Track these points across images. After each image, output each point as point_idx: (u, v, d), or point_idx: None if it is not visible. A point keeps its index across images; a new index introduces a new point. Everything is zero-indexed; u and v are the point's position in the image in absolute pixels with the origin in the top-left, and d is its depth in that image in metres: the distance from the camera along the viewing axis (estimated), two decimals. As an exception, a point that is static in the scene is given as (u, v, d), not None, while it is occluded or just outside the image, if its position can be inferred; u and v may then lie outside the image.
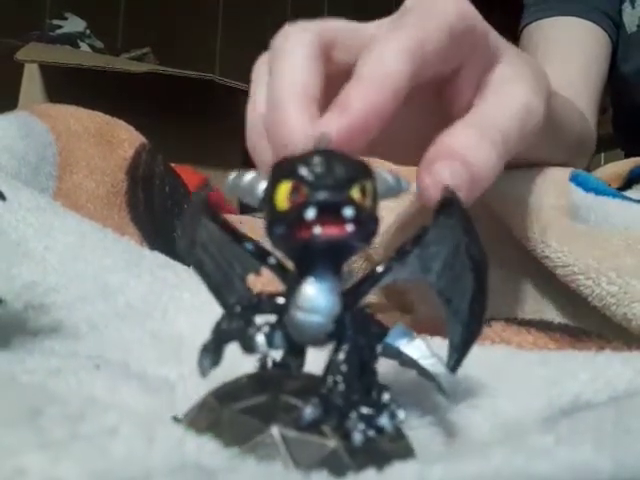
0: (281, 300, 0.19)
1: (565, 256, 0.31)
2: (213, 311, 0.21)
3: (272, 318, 0.19)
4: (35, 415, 0.15)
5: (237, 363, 0.19)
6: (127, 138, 0.48)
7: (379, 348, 0.19)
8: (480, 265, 0.19)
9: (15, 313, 0.27)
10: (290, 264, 0.19)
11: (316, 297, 0.18)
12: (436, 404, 0.22)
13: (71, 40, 1.48)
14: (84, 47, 1.48)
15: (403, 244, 0.20)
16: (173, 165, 0.54)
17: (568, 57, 0.63)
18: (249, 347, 0.19)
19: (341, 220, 0.17)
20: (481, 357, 0.24)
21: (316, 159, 0.17)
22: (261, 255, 0.20)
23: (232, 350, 0.19)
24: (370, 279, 0.20)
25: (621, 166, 0.46)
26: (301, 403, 0.17)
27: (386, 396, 0.18)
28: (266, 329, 0.19)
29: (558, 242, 0.32)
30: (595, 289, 0.30)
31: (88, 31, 1.52)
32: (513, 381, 0.24)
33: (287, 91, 0.25)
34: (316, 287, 0.18)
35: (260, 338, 0.19)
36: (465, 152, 0.25)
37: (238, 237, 0.20)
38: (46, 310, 0.28)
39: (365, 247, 0.19)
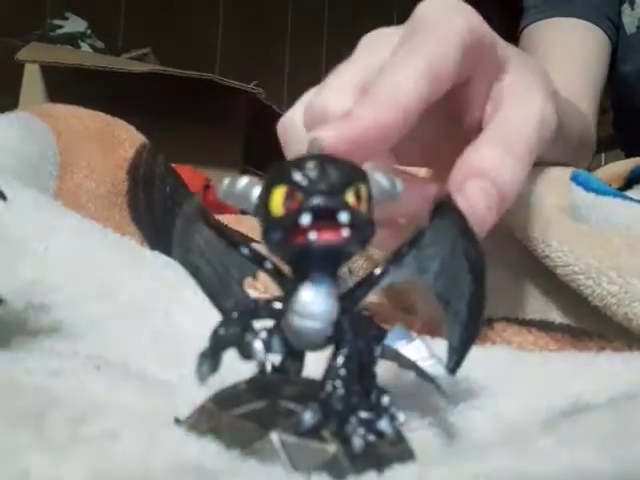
0: (278, 305, 0.19)
1: (566, 256, 0.31)
2: (214, 311, 0.21)
3: (270, 323, 0.19)
4: (37, 417, 0.15)
5: (236, 367, 0.19)
6: (128, 138, 0.48)
7: (378, 350, 0.19)
8: (477, 266, 0.19)
9: (15, 313, 0.27)
10: (287, 268, 0.19)
11: (313, 302, 0.18)
12: (436, 406, 0.22)
13: (72, 40, 1.48)
14: (85, 47, 1.48)
15: (399, 246, 0.20)
16: (173, 165, 0.54)
17: (568, 58, 0.63)
18: (247, 354, 0.19)
19: (336, 225, 0.17)
20: (481, 358, 0.24)
21: (310, 164, 0.17)
22: (257, 260, 0.20)
23: (231, 353, 0.19)
24: (367, 282, 0.20)
25: (622, 166, 0.46)
26: (300, 408, 0.17)
27: (385, 399, 0.18)
28: (264, 335, 0.19)
29: (559, 242, 0.32)
30: (596, 289, 0.30)
31: (89, 31, 1.52)
32: (513, 382, 0.24)
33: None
34: (313, 292, 0.18)
35: (258, 344, 0.19)
36: (494, 171, 0.25)
37: (234, 242, 0.20)
38: (46, 310, 0.28)
39: (361, 251, 0.19)
